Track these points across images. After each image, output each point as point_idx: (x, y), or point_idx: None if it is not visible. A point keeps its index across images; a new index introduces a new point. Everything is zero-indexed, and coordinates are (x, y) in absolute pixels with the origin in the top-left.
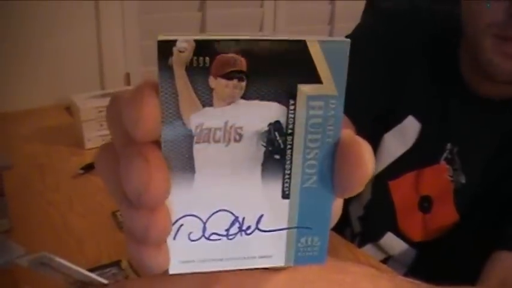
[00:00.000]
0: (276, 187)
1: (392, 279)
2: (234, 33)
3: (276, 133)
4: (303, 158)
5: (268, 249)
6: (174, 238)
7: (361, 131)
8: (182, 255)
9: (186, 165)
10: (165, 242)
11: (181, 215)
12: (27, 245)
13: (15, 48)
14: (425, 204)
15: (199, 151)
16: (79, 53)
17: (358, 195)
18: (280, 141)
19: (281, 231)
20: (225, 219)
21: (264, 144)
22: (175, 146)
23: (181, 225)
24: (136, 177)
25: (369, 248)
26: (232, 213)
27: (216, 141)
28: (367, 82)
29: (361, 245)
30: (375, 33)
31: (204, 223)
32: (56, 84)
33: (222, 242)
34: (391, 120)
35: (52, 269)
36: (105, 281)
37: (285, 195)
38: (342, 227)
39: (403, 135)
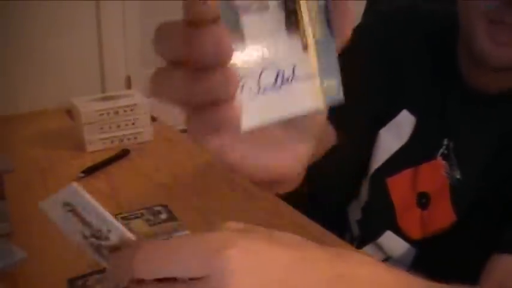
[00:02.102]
0: (298, 41)
1: (391, 270)
2: None
3: None
4: (309, 15)
5: (306, 98)
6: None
7: (359, 128)
8: (248, 111)
9: (238, 34)
10: (235, 99)
11: (241, 76)
12: (28, 249)
13: (15, 51)
14: (423, 200)
15: (246, 22)
16: (80, 56)
17: (357, 197)
18: (293, 3)
19: (310, 80)
20: (272, 75)
21: (284, 8)
22: (228, 21)
23: (243, 85)
24: (210, 37)
25: (367, 249)
26: (275, 68)
27: (254, 13)
28: (364, 80)
29: (360, 247)
30: (372, 32)
31: (258, 80)
32: (56, 87)
33: (273, 94)
34: (386, 115)
35: (73, 214)
36: (131, 235)
37: (305, 47)
38: (341, 232)
39: (398, 130)
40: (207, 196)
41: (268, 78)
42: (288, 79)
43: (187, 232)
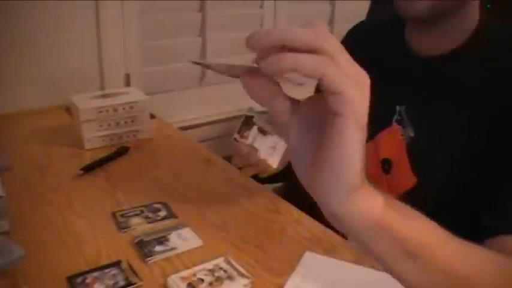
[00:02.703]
0: None
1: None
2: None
3: None
4: None
5: None
6: None
7: None
8: None
9: None
10: None
11: None
12: (27, 246)
13: (15, 49)
14: (386, 166)
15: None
16: (79, 53)
17: None
18: None
19: None
20: None
21: None
22: None
23: None
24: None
25: None
26: None
27: None
28: None
29: None
30: (350, 37)
31: None
32: (55, 85)
33: None
34: None
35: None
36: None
37: None
38: None
39: None
40: (206, 193)
41: None
42: None
43: (186, 229)
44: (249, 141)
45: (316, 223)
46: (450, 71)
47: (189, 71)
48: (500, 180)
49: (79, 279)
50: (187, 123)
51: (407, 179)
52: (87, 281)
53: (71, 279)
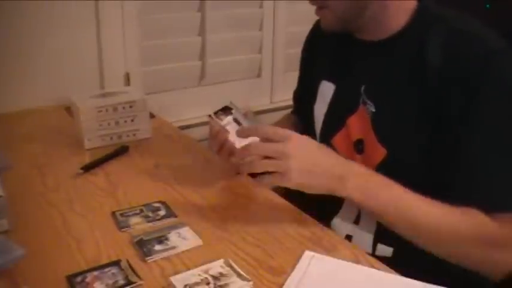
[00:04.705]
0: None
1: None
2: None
3: None
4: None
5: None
6: None
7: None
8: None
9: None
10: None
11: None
12: (27, 245)
13: (15, 48)
14: (360, 146)
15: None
16: (79, 53)
17: None
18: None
19: None
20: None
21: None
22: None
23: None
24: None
25: (346, 206)
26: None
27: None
28: (303, 71)
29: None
30: (308, 39)
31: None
32: (56, 84)
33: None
34: (314, 92)
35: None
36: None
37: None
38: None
39: (324, 98)
40: (206, 192)
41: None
42: None
43: (186, 228)
44: (223, 123)
45: (316, 222)
46: (396, 50)
47: (189, 70)
48: (463, 152)
49: (79, 278)
50: (187, 123)
51: (378, 151)
52: (87, 280)
53: (70, 278)
